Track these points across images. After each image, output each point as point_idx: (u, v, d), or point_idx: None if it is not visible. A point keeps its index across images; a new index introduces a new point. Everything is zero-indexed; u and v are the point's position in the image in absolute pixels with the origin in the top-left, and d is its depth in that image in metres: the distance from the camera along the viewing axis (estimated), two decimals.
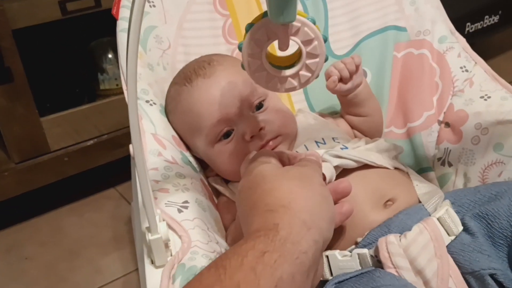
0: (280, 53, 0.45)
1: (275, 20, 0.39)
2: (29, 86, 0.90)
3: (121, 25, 0.65)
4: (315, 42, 0.43)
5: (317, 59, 0.44)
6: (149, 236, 0.40)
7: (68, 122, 0.97)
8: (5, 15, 0.84)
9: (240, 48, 0.43)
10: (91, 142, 1.00)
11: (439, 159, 0.69)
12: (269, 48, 0.43)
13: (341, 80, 0.65)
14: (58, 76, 1.08)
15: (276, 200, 0.39)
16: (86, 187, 1.09)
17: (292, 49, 0.44)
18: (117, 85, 1.06)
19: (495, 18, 1.40)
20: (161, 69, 0.69)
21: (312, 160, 0.47)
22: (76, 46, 1.07)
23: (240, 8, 0.77)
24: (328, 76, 0.65)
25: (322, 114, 0.73)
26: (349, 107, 0.69)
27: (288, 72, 0.44)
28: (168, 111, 0.65)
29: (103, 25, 0.98)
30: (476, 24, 1.36)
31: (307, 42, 0.42)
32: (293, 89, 0.45)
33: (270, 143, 0.59)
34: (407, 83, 0.75)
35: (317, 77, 0.45)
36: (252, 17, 0.78)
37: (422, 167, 0.71)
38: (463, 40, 0.75)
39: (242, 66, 0.45)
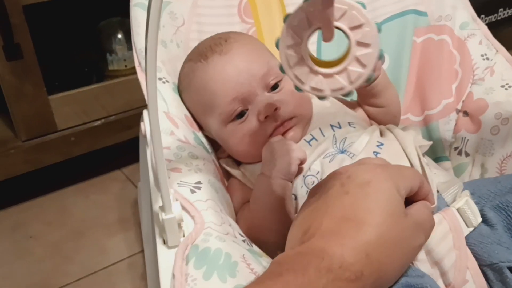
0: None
1: None
2: (38, 64, 0.89)
3: (135, 0, 0.64)
4: (366, 28, 0.35)
5: (369, 49, 0.35)
6: (163, 216, 0.39)
7: (76, 101, 0.96)
8: None
9: (277, 45, 0.37)
10: (99, 122, 0.98)
11: (456, 148, 0.68)
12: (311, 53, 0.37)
13: None
14: (67, 55, 1.06)
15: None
16: (93, 168, 1.08)
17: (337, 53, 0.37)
18: (125, 66, 1.05)
19: (510, 11, 1.39)
20: (175, 47, 0.68)
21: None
22: (86, 25, 1.05)
23: None
24: None
25: (337, 98, 0.71)
26: (366, 98, 0.66)
27: (334, 68, 0.36)
28: (182, 89, 0.64)
29: (113, 5, 0.97)
30: (490, 17, 1.35)
31: (356, 28, 0.35)
32: (341, 90, 0.37)
33: (285, 124, 0.58)
34: (426, 70, 0.73)
35: (372, 75, 0.37)
36: None
37: (438, 156, 0.70)
38: (484, 27, 0.73)
39: (281, 68, 0.37)
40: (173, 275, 0.37)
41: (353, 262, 0.33)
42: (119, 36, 1.05)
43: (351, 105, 0.69)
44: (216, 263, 0.38)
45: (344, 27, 0.35)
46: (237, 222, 0.55)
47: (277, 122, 0.57)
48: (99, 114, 0.98)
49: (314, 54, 0.75)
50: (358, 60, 0.36)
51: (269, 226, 0.52)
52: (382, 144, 0.56)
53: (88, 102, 0.97)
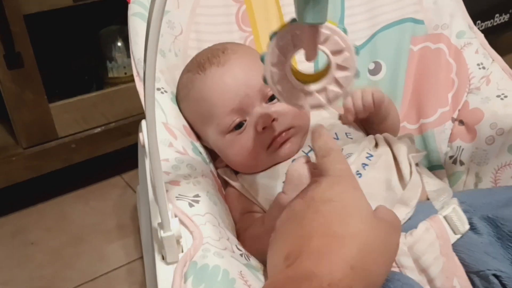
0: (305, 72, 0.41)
1: (302, 20, 0.35)
2: (39, 72, 0.90)
3: (133, 9, 0.64)
4: (346, 53, 0.38)
5: (347, 73, 0.39)
6: (162, 233, 0.39)
7: (76, 109, 0.96)
8: (16, 0, 0.83)
9: (262, 60, 0.39)
10: (99, 129, 0.99)
11: (450, 157, 0.68)
12: (294, 65, 0.40)
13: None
14: (67, 63, 1.07)
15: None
16: (93, 174, 1.09)
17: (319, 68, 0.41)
18: (125, 73, 1.05)
19: (506, 17, 1.40)
20: (173, 56, 0.68)
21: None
22: (86, 33, 1.06)
23: None
24: (345, 110, 0.63)
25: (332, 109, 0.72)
26: (371, 123, 0.66)
27: (314, 86, 0.39)
28: (180, 99, 0.64)
29: (113, 13, 0.98)
30: (486, 22, 1.36)
31: (337, 52, 0.38)
32: (319, 106, 0.40)
33: (283, 134, 0.58)
34: (423, 78, 0.74)
35: (347, 94, 0.41)
36: (266, 3, 0.76)
37: (433, 165, 0.70)
38: (481, 35, 0.74)
39: (264, 80, 0.40)
40: None
41: (341, 278, 0.33)
42: (119, 43, 1.05)
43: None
44: (214, 281, 0.39)
45: (327, 51, 0.38)
46: (237, 232, 0.56)
47: (275, 133, 0.58)
48: (99, 121, 0.99)
49: (312, 70, 0.77)
50: (336, 81, 0.39)
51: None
52: (371, 156, 0.57)
53: (88, 109, 0.97)
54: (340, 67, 0.39)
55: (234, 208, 0.59)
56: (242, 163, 0.59)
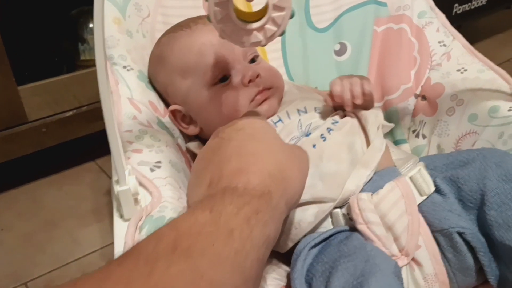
0: (246, 9, 0.44)
1: None
2: (6, 54, 0.88)
3: None
4: None
5: (283, 12, 0.43)
6: (118, 188, 0.40)
7: (47, 91, 0.95)
8: None
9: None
10: (70, 113, 0.98)
11: (413, 131, 0.71)
12: (236, 4, 0.42)
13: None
14: (37, 44, 1.05)
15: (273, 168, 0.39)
16: (66, 159, 1.08)
17: (259, 7, 0.43)
18: None
19: (483, 1, 1.40)
20: (141, 36, 0.69)
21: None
22: (57, 14, 1.04)
23: None
24: (330, 95, 0.61)
25: (302, 86, 0.73)
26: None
27: (254, 25, 0.43)
28: (156, 61, 0.64)
29: None
30: (464, 6, 1.36)
31: None
32: (259, 43, 0.44)
33: (264, 92, 0.60)
34: (386, 57, 0.76)
35: (282, 33, 0.44)
36: None
37: (397, 139, 0.73)
38: (442, 15, 0.76)
39: (208, 19, 0.44)
40: (124, 242, 0.38)
41: (258, 183, 0.36)
42: (91, 25, 1.04)
43: (320, 92, 0.71)
44: None
45: None
46: None
47: (259, 88, 0.60)
48: (71, 104, 0.98)
49: (280, 51, 0.77)
50: (273, 21, 0.43)
51: None
52: (337, 122, 0.58)
53: (59, 92, 0.96)
54: (277, 7, 0.42)
55: None
56: (223, 117, 0.60)
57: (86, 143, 1.04)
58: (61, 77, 0.96)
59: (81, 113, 0.99)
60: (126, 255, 0.30)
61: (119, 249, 0.39)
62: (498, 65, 0.68)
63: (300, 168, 0.42)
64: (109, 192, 1.00)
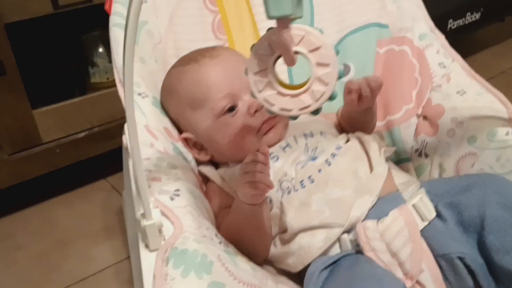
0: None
1: (268, 15, 0.36)
2: (21, 79, 0.91)
3: (114, 20, 0.67)
4: (323, 51, 0.39)
5: (329, 69, 0.39)
6: (144, 222, 0.43)
7: (60, 114, 0.98)
8: None
9: (246, 72, 0.41)
10: (82, 134, 1.01)
11: (416, 150, 0.73)
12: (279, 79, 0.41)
13: (359, 99, 0.62)
14: (49, 69, 1.08)
15: None
16: (77, 178, 1.11)
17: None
18: (107, 78, 1.08)
19: (477, 15, 1.42)
20: (153, 62, 0.71)
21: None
22: (67, 40, 1.08)
23: (229, 4, 0.80)
24: (348, 90, 0.62)
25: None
26: (353, 122, 0.70)
27: (300, 89, 0.40)
28: (167, 93, 0.67)
29: (93, 19, 1.00)
30: (458, 21, 1.38)
31: (314, 50, 0.39)
32: (308, 108, 0.41)
33: (270, 121, 0.63)
34: (388, 78, 0.79)
35: (335, 93, 0.41)
36: (240, 12, 0.80)
37: (400, 158, 0.75)
38: (442, 37, 0.79)
39: (252, 94, 0.42)
40: (154, 276, 0.41)
41: None
42: (100, 49, 1.07)
43: (325, 115, 0.74)
44: (193, 263, 0.43)
45: (304, 50, 0.40)
46: (217, 226, 0.59)
47: (264, 117, 0.63)
48: (83, 126, 1.01)
49: (286, 73, 0.80)
50: (320, 80, 0.40)
51: (242, 239, 0.55)
52: (340, 147, 0.61)
53: (72, 114, 0.99)
54: (321, 64, 0.40)
55: (214, 203, 0.63)
56: (231, 146, 0.63)
57: (97, 162, 1.07)
58: (73, 100, 1.00)
59: (92, 134, 1.02)
60: None
61: (148, 281, 0.42)
62: (494, 76, 0.71)
63: None
64: (120, 210, 1.03)
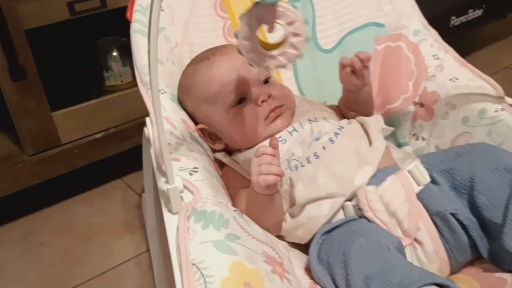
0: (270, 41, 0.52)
1: (264, 1, 0.48)
2: (41, 83, 0.96)
3: (135, 27, 0.73)
4: (297, 23, 0.51)
5: (301, 38, 0.51)
6: (167, 186, 0.48)
7: (78, 116, 1.04)
8: (18, 16, 0.90)
9: (236, 35, 0.51)
10: (100, 135, 1.06)
11: (414, 134, 0.79)
12: (260, 37, 0.51)
13: (353, 73, 0.69)
14: (67, 73, 1.14)
15: None
16: (95, 178, 1.16)
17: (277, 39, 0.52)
18: (121, 81, 1.13)
19: (479, 12, 1.44)
20: (170, 64, 0.77)
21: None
22: (83, 44, 1.14)
23: (238, 10, 0.87)
24: (342, 66, 0.69)
25: (312, 101, 0.82)
26: (351, 103, 0.75)
27: (276, 51, 0.52)
28: (184, 90, 0.73)
29: (107, 25, 1.06)
30: (460, 18, 1.41)
31: (290, 23, 0.50)
32: (282, 66, 0.53)
33: (276, 110, 0.69)
34: (386, 72, 0.84)
35: (301, 56, 0.53)
36: None
37: (399, 142, 0.81)
38: (435, 33, 0.85)
39: (239, 51, 0.52)
40: (177, 228, 0.47)
41: None
42: (114, 53, 1.13)
43: (329, 106, 0.80)
44: (212, 219, 0.48)
45: (282, 22, 0.51)
46: (234, 206, 0.63)
47: (271, 107, 0.68)
48: (100, 127, 1.06)
49: (291, 71, 0.86)
50: (293, 45, 0.52)
51: (257, 220, 0.60)
52: (342, 127, 0.67)
53: (89, 116, 1.05)
54: (294, 34, 0.51)
55: (230, 185, 0.68)
56: (243, 134, 0.69)
57: (113, 162, 1.12)
58: (90, 102, 1.05)
59: (109, 135, 1.07)
60: None
61: (172, 236, 0.47)
62: (498, 72, 0.75)
63: None
64: (138, 207, 1.08)
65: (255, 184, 0.56)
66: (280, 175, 0.56)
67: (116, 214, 1.07)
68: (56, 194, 1.12)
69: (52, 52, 1.09)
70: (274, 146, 0.57)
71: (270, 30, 0.51)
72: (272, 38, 0.52)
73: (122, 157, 1.11)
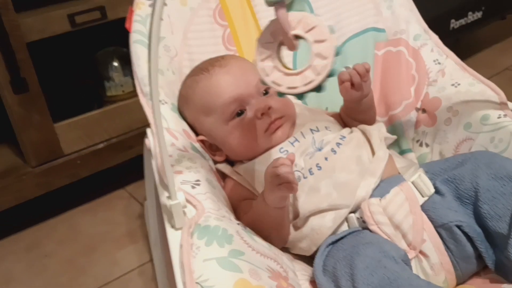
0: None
1: (268, 1, 0.42)
2: (43, 95, 0.96)
3: (134, 37, 0.73)
4: (318, 29, 0.44)
5: (326, 44, 0.44)
6: (170, 202, 0.48)
7: (80, 127, 1.04)
8: (20, 29, 0.90)
9: (255, 62, 0.47)
10: (102, 145, 1.06)
11: (417, 141, 0.79)
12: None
13: (353, 86, 0.66)
14: (68, 84, 1.14)
15: None
16: (98, 189, 1.16)
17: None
18: (123, 91, 1.13)
19: (479, 14, 1.44)
20: (171, 74, 0.77)
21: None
22: (84, 56, 1.14)
23: (237, 18, 0.87)
24: (340, 81, 0.67)
25: (313, 109, 0.82)
26: (352, 112, 0.74)
27: (303, 68, 0.46)
28: (183, 101, 0.73)
29: (108, 36, 1.06)
30: (460, 21, 1.40)
31: (310, 30, 0.44)
32: (312, 83, 0.45)
33: (276, 122, 0.68)
34: (388, 77, 0.84)
35: (332, 65, 0.45)
36: (248, 25, 0.86)
37: (402, 149, 0.80)
38: (435, 37, 0.85)
39: (262, 81, 0.47)
40: (181, 245, 0.46)
41: None
42: (115, 64, 1.13)
43: (330, 114, 0.79)
44: (215, 235, 0.48)
45: (301, 32, 0.45)
46: (237, 218, 0.62)
47: (271, 119, 0.68)
48: (102, 137, 1.06)
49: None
50: (319, 55, 0.45)
51: (262, 232, 0.59)
52: (344, 137, 0.67)
53: (91, 127, 1.05)
54: (318, 41, 0.44)
55: (232, 197, 0.67)
56: (243, 146, 0.68)
57: (116, 172, 1.12)
58: (92, 113, 1.06)
59: (111, 145, 1.07)
60: None
61: (175, 254, 0.47)
62: (498, 73, 0.75)
63: None
64: (141, 216, 1.08)
65: (272, 195, 0.56)
66: (297, 184, 0.55)
67: (120, 224, 1.07)
68: (60, 205, 1.12)
69: (53, 63, 1.09)
70: (291, 159, 0.56)
71: (289, 46, 0.45)
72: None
73: (124, 166, 1.11)
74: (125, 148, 1.09)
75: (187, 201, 0.51)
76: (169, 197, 0.49)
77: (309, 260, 0.62)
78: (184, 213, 0.50)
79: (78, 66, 1.15)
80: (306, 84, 0.45)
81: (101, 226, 1.07)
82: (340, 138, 0.66)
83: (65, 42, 1.03)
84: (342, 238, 0.57)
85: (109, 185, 1.17)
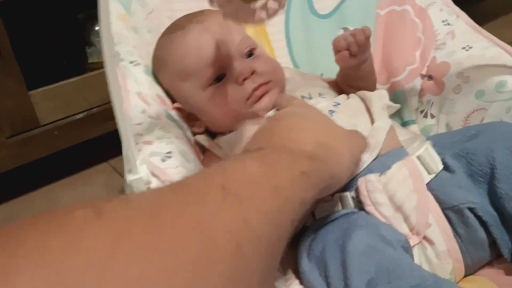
0: None
1: None
2: (16, 60, 0.90)
3: None
4: None
5: None
6: (130, 177, 0.41)
7: (57, 95, 0.97)
8: None
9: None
10: (81, 115, 1.00)
11: (421, 111, 0.71)
12: None
13: (350, 54, 0.60)
14: (45, 49, 1.07)
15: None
16: (79, 162, 1.10)
17: None
18: None
19: None
20: (146, 32, 0.69)
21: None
22: (63, 18, 1.06)
23: None
24: (336, 49, 0.61)
25: (306, 74, 0.74)
26: (349, 79, 0.67)
27: (257, 4, 0.45)
28: (157, 64, 0.65)
29: None
30: None
31: None
32: (262, 20, 0.46)
33: (261, 87, 0.59)
34: (390, 40, 0.76)
35: (283, 7, 0.46)
36: None
37: (405, 120, 0.73)
38: None
39: (210, 2, 0.45)
40: None
41: (308, 145, 0.38)
42: (97, 28, 1.04)
43: (326, 80, 0.71)
44: None
45: None
46: None
47: (255, 85, 0.59)
48: (82, 106, 0.99)
49: (284, 40, 0.78)
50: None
51: None
52: (339, 104, 0.58)
53: (70, 95, 0.98)
54: None
55: None
56: (223, 115, 0.60)
57: (98, 144, 1.05)
58: (71, 80, 0.98)
59: (92, 115, 1.00)
60: (178, 185, 0.30)
61: None
62: None
63: (350, 150, 0.43)
64: (123, 190, 1.01)
65: None
66: None
67: (101, 198, 1.00)
68: (38, 179, 1.06)
69: (29, 26, 1.02)
70: None
71: None
72: None
73: (107, 139, 1.04)
74: (107, 119, 1.02)
75: (155, 175, 0.44)
76: (130, 171, 0.41)
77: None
78: (148, 189, 0.43)
79: (58, 30, 1.07)
80: (257, 21, 0.46)
81: (81, 201, 1.00)
82: (334, 105, 0.58)
83: (44, 2, 0.96)
84: (332, 221, 0.49)
85: (91, 158, 1.10)
